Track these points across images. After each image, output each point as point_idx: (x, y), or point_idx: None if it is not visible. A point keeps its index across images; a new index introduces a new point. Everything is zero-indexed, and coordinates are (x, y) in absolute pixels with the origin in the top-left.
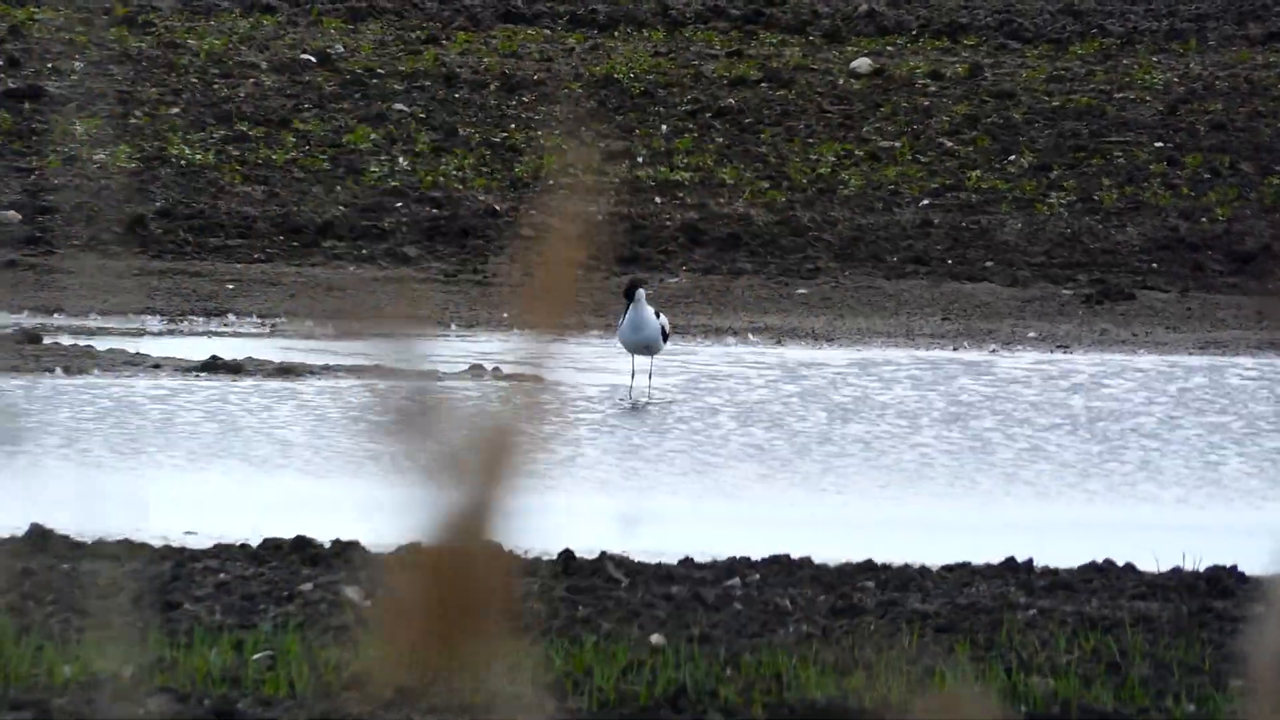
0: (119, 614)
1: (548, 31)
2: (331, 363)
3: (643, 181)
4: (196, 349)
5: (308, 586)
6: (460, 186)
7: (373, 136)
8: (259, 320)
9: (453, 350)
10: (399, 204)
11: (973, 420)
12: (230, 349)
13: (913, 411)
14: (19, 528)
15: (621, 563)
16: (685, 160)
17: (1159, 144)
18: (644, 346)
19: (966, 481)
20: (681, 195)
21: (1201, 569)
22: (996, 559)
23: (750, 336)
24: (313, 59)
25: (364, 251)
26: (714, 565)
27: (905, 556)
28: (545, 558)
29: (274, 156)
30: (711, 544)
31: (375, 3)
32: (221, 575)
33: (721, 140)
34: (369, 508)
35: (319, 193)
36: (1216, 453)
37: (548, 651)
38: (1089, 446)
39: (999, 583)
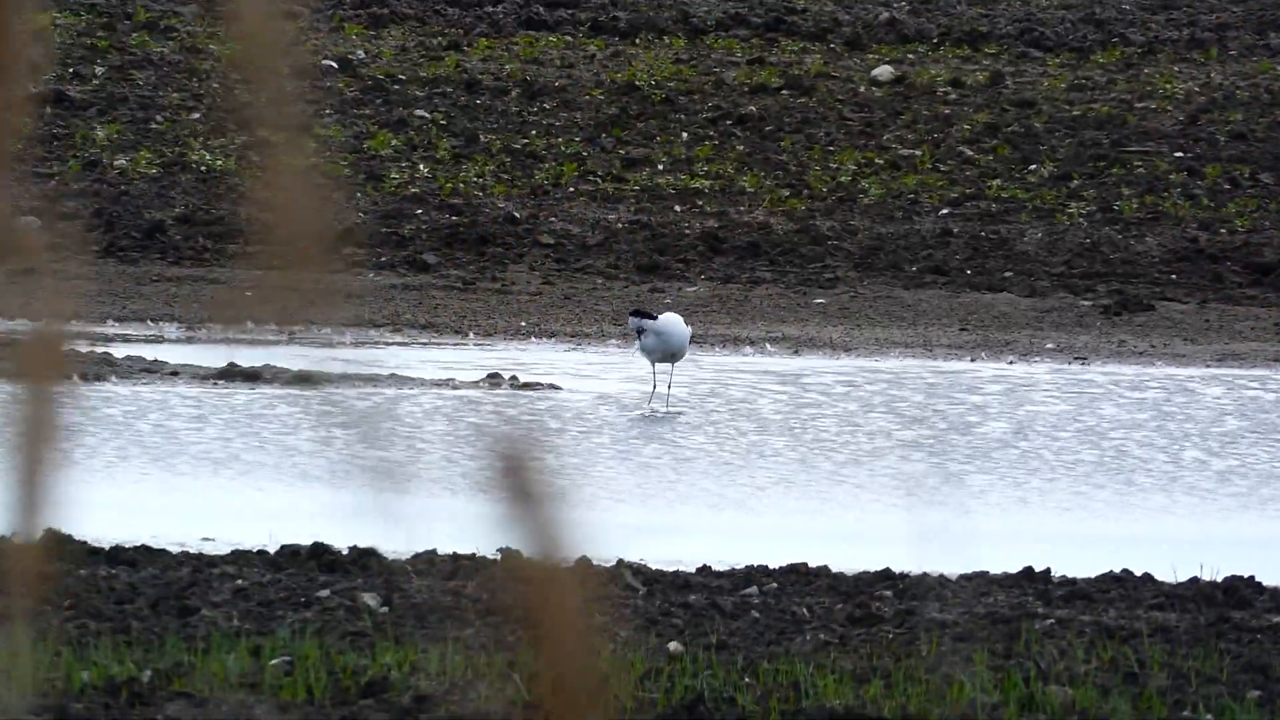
0: (136, 619)
1: (569, 38)
2: (349, 371)
3: (663, 189)
4: (215, 356)
5: (325, 593)
6: (480, 193)
7: (393, 143)
8: (277, 328)
9: (471, 358)
10: (419, 210)
11: (990, 430)
12: (248, 356)
13: (931, 420)
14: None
15: (639, 571)
16: (705, 168)
17: (1179, 154)
18: (670, 355)
19: (986, 490)
20: (701, 203)
21: (1219, 579)
22: (1014, 568)
23: (768, 346)
24: (334, 65)
25: (383, 258)
26: (731, 574)
27: (923, 565)
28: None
29: (294, 163)
30: (729, 553)
31: (397, 9)
32: (239, 581)
33: (742, 148)
34: (386, 515)
35: (339, 199)
36: (1233, 463)
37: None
38: (1105, 456)
39: (1017, 592)
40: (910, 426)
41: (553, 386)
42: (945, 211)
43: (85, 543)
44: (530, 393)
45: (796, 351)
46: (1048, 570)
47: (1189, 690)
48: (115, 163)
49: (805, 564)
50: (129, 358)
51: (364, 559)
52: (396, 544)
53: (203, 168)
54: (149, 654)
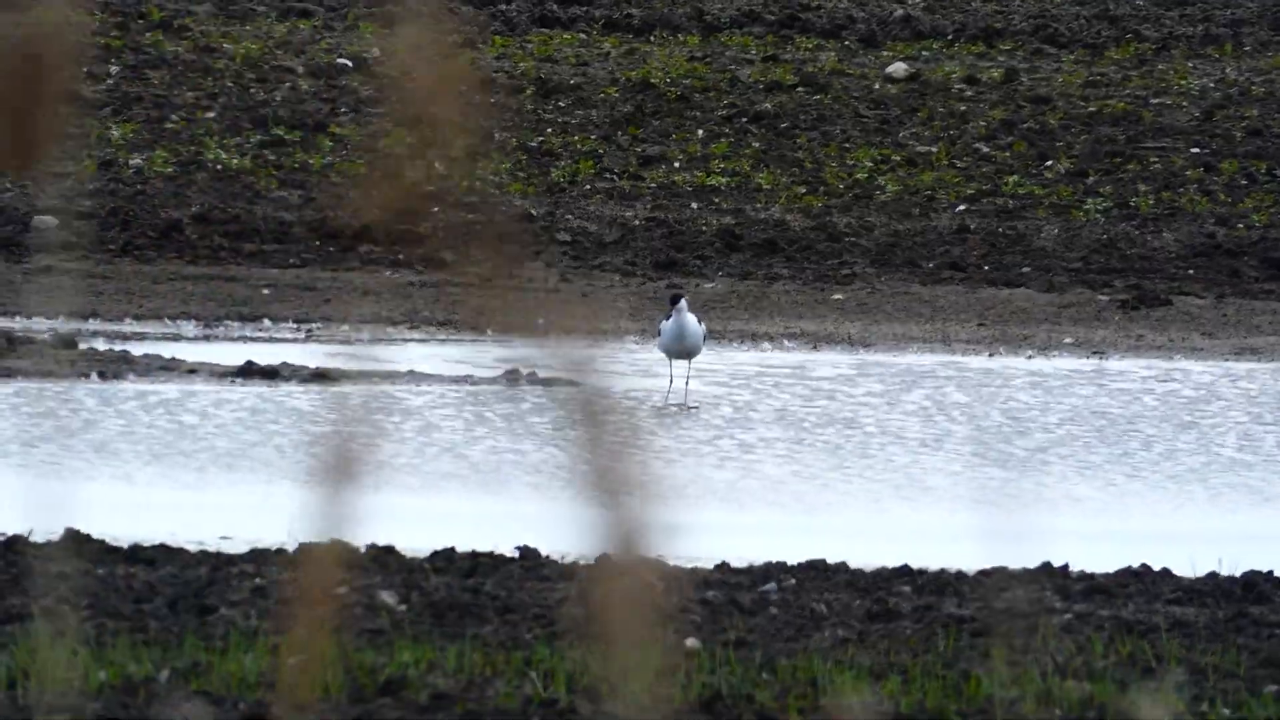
0: (155, 618)
1: (583, 36)
2: (367, 368)
3: (679, 186)
4: (232, 354)
5: (343, 590)
6: (496, 191)
7: (408, 141)
8: (295, 325)
9: (489, 355)
10: (435, 208)
11: (1010, 425)
12: (266, 354)
13: (949, 416)
14: (55, 532)
15: (657, 567)
16: (721, 165)
17: (1195, 150)
18: (685, 352)
19: (998, 484)
20: (718, 200)
21: (1238, 574)
22: (1033, 563)
23: (786, 342)
24: (349, 63)
25: (400, 256)
26: (750, 570)
27: (941, 561)
28: (582, 562)
29: (310, 161)
30: (747, 548)
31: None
32: (257, 580)
33: (758, 145)
34: (403, 513)
35: (355, 197)
36: (1251, 458)
37: (585, 656)
38: (1123, 451)
39: (1035, 587)
40: (928, 422)
41: (571, 383)
42: (962, 208)
43: (103, 541)
44: (549, 388)
45: (815, 347)
46: (1066, 565)
47: (1207, 685)
48: (131, 162)
49: (823, 560)
50: (147, 355)
51: (383, 557)
52: (414, 541)
53: (218, 166)
54: (167, 653)
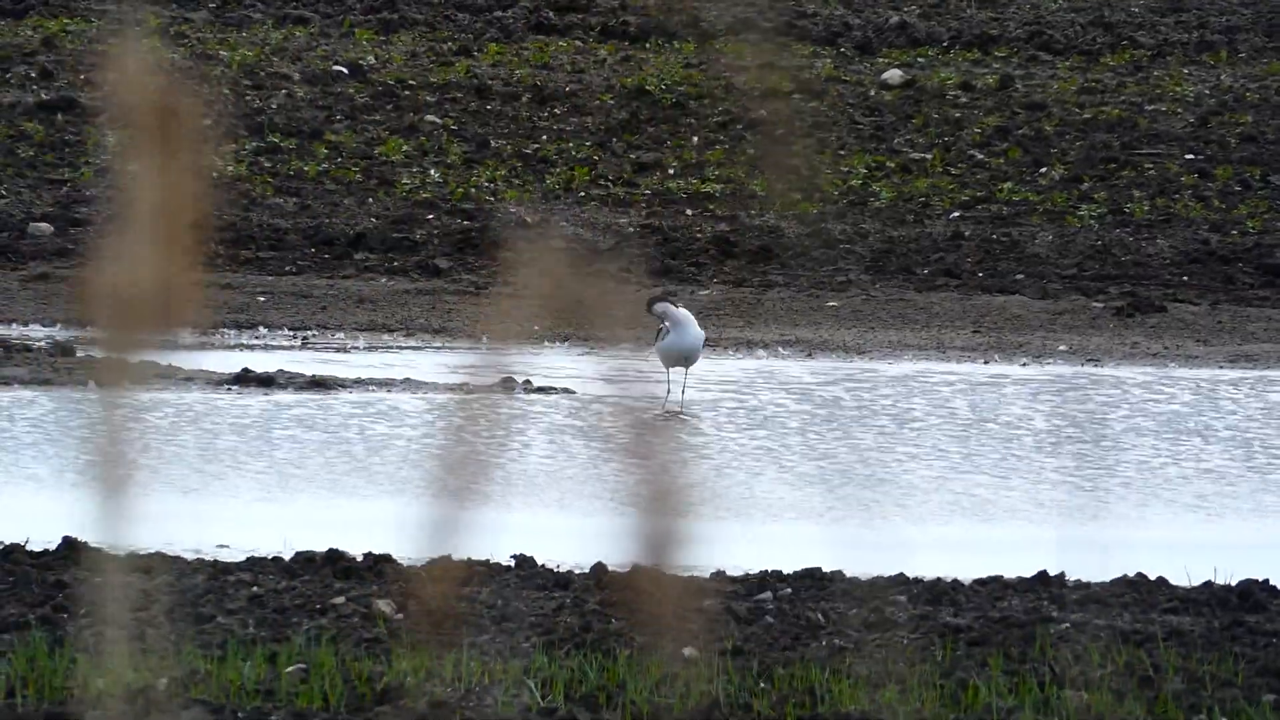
0: (152, 627)
1: (579, 43)
2: (364, 376)
3: (674, 194)
4: (228, 362)
5: (340, 600)
6: (491, 198)
7: (404, 148)
8: (290, 333)
9: (484, 362)
10: (430, 216)
11: (1006, 431)
12: (262, 362)
13: (945, 423)
14: (52, 540)
15: (654, 576)
16: (716, 172)
17: (1190, 156)
18: (683, 359)
19: (994, 492)
20: (713, 207)
21: (1233, 583)
22: (1029, 572)
23: (781, 349)
24: (345, 70)
25: (395, 263)
26: (746, 579)
27: (937, 570)
28: (578, 571)
29: (306, 168)
30: (743, 557)
31: (407, 15)
32: (254, 588)
33: (753, 152)
34: (401, 522)
35: (351, 204)
36: (1246, 465)
37: (581, 665)
38: (1119, 457)
39: (1031, 596)
40: (921, 429)
41: (567, 391)
42: (956, 214)
43: (100, 549)
44: (544, 396)
45: (810, 354)
46: (1062, 574)
47: (1204, 694)
48: (127, 169)
49: (820, 569)
50: (142, 363)
51: (379, 565)
52: (412, 550)
53: (214, 173)
54: (165, 662)
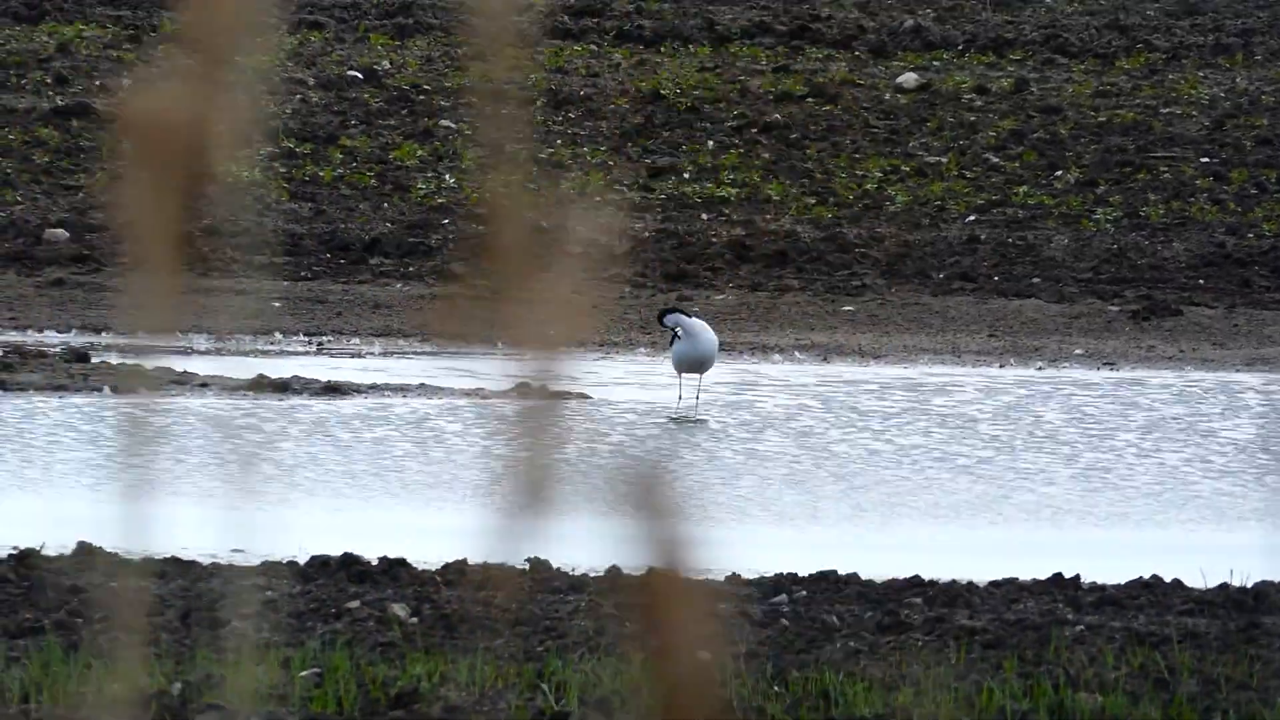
0: (167, 631)
1: (594, 47)
2: (379, 381)
3: (689, 198)
4: (243, 367)
5: (355, 604)
6: (507, 204)
7: (419, 153)
8: (305, 338)
9: (500, 368)
10: (446, 221)
11: (1019, 436)
12: (277, 367)
13: (959, 426)
14: (66, 545)
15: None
16: (731, 176)
17: (1205, 159)
18: (698, 364)
19: (1010, 495)
20: (728, 211)
21: (1249, 585)
22: (1044, 575)
23: (796, 354)
24: (359, 75)
25: (411, 269)
26: (760, 582)
27: (952, 573)
28: (592, 574)
29: (321, 173)
30: (758, 560)
31: (422, 19)
32: (269, 593)
33: (768, 156)
34: (415, 527)
35: (366, 210)
36: (1263, 469)
37: (595, 668)
38: (1134, 461)
39: (1047, 599)
40: (938, 434)
41: (583, 395)
42: (972, 218)
43: (115, 554)
44: (560, 402)
45: (825, 359)
46: (1077, 576)
47: (1219, 696)
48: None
49: (835, 571)
50: (158, 369)
51: (394, 569)
52: (426, 554)
53: (229, 179)
54: (179, 666)
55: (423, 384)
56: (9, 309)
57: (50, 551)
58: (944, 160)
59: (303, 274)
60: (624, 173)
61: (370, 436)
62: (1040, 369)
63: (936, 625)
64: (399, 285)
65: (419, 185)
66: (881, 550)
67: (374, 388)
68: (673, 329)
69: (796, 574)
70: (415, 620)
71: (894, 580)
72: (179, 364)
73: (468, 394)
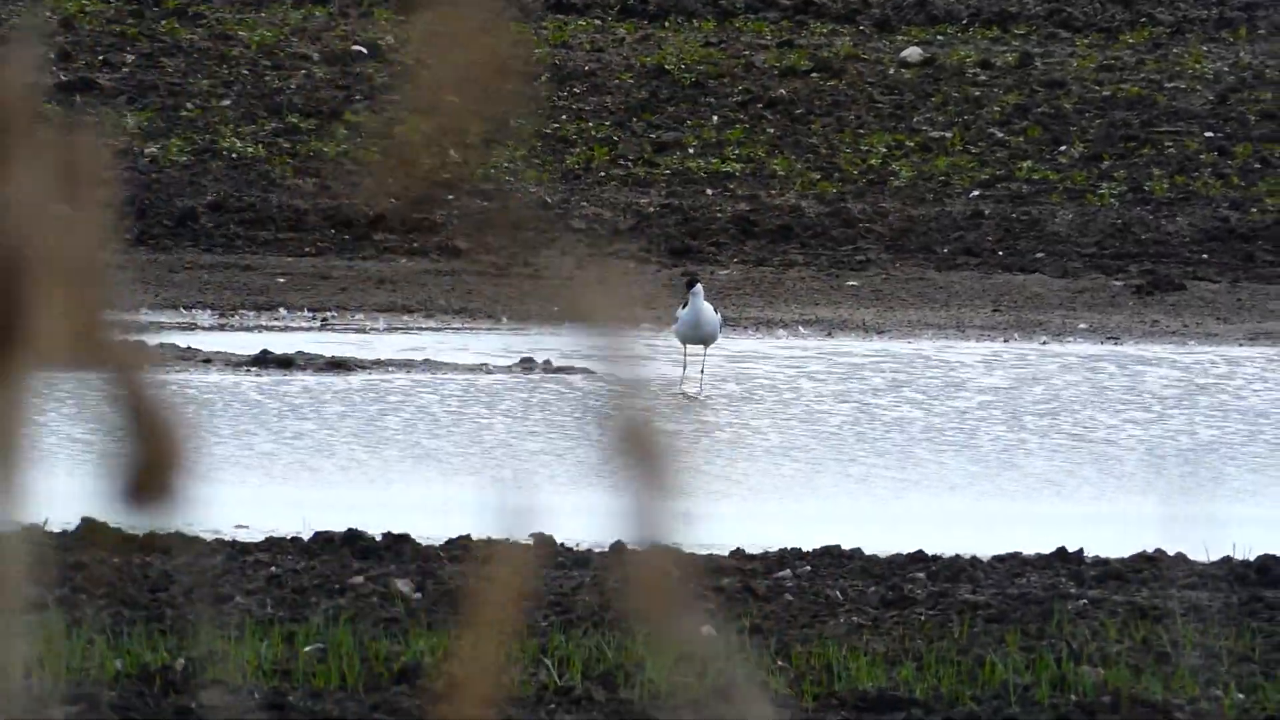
0: (170, 607)
1: (598, 22)
2: (383, 357)
3: (694, 173)
4: (247, 343)
5: (358, 579)
6: (511, 179)
7: (424, 128)
8: (310, 314)
9: (505, 344)
10: (450, 196)
11: (1022, 411)
12: (281, 343)
13: (963, 401)
14: (70, 521)
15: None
16: (736, 151)
17: (1209, 134)
18: (702, 339)
19: (1013, 471)
20: (732, 187)
21: (1252, 558)
22: (1047, 549)
23: (801, 329)
24: (364, 50)
25: (415, 244)
26: (765, 557)
27: (956, 547)
28: (597, 550)
29: (325, 149)
30: (762, 535)
31: None
32: (273, 568)
33: (772, 131)
34: (419, 502)
35: (370, 185)
36: (1265, 441)
37: (600, 644)
38: (1138, 435)
39: (1049, 573)
40: (941, 410)
41: (586, 371)
42: (976, 193)
43: (119, 530)
44: (564, 377)
45: (829, 334)
46: (1080, 551)
47: (1221, 669)
48: (146, 150)
49: (838, 546)
50: (162, 345)
51: (398, 545)
52: (430, 530)
53: (234, 155)
54: (183, 642)
55: (427, 359)
56: None
57: (54, 527)
58: (948, 135)
59: (307, 250)
60: (629, 148)
61: (374, 412)
62: (1044, 344)
63: (940, 599)
64: (403, 260)
65: (424, 160)
66: (885, 524)
67: (378, 363)
68: (693, 298)
69: (800, 549)
70: (419, 595)
71: (897, 555)
72: (183, 339)
73: (471, 369)
